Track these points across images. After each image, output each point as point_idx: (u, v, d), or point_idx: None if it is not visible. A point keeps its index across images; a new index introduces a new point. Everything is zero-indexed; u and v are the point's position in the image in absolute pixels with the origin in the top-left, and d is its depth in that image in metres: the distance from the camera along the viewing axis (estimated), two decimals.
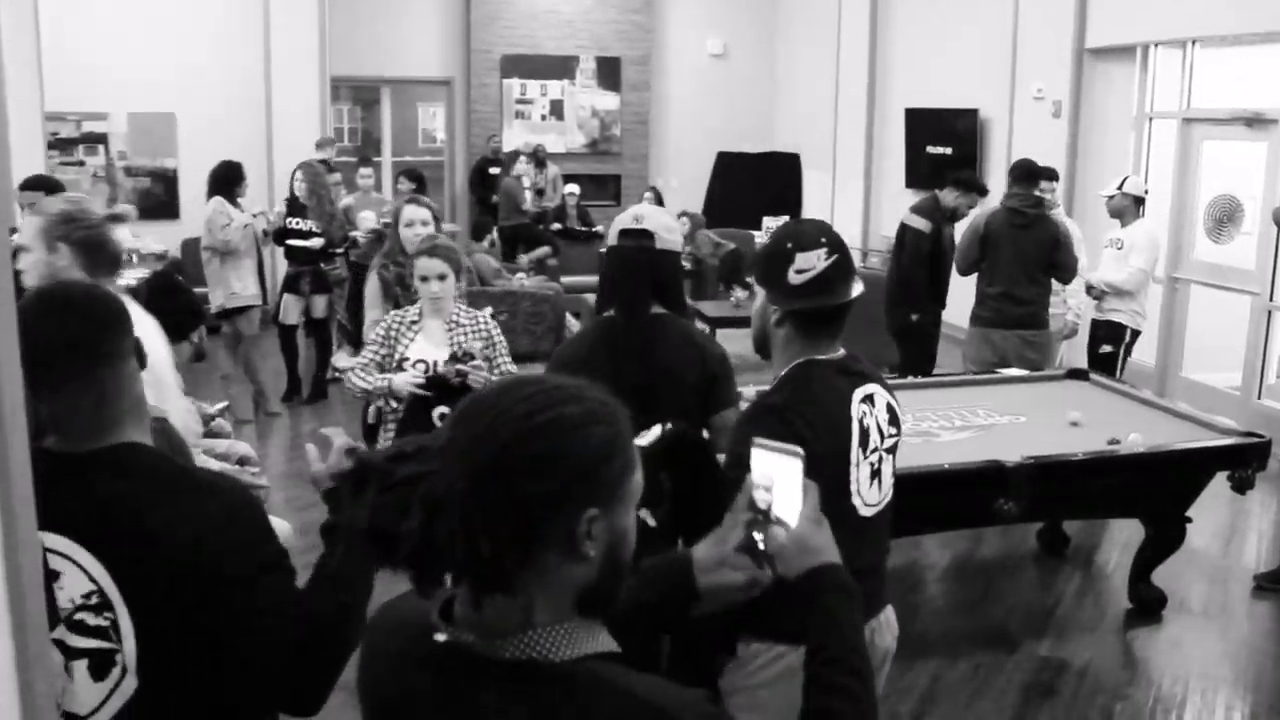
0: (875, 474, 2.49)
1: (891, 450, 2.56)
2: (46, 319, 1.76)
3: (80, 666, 1.72)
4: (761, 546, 1.61)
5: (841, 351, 2.50)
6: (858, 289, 2.46)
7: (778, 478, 1.63)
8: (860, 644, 1.62)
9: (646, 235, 3.11)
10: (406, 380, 4.11)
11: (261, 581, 1.76)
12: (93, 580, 1.71)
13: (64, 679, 1.72)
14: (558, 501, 1.25)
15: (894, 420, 2.57)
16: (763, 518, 1.62)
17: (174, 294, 3.76)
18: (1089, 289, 6.92)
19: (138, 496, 1.75)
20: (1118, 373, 6.68)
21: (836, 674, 1.57)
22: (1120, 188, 6.94)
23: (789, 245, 2.43)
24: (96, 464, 1.77)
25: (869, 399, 2.49)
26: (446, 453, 1.25)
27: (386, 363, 4.22)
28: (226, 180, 7.71)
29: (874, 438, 2.48)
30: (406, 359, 4.19)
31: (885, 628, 2.61)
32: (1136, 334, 6.92)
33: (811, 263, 2.39)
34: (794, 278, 2.40)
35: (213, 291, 7.65)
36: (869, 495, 2.48)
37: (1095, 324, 7.00)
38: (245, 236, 7.65)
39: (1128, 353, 6.91)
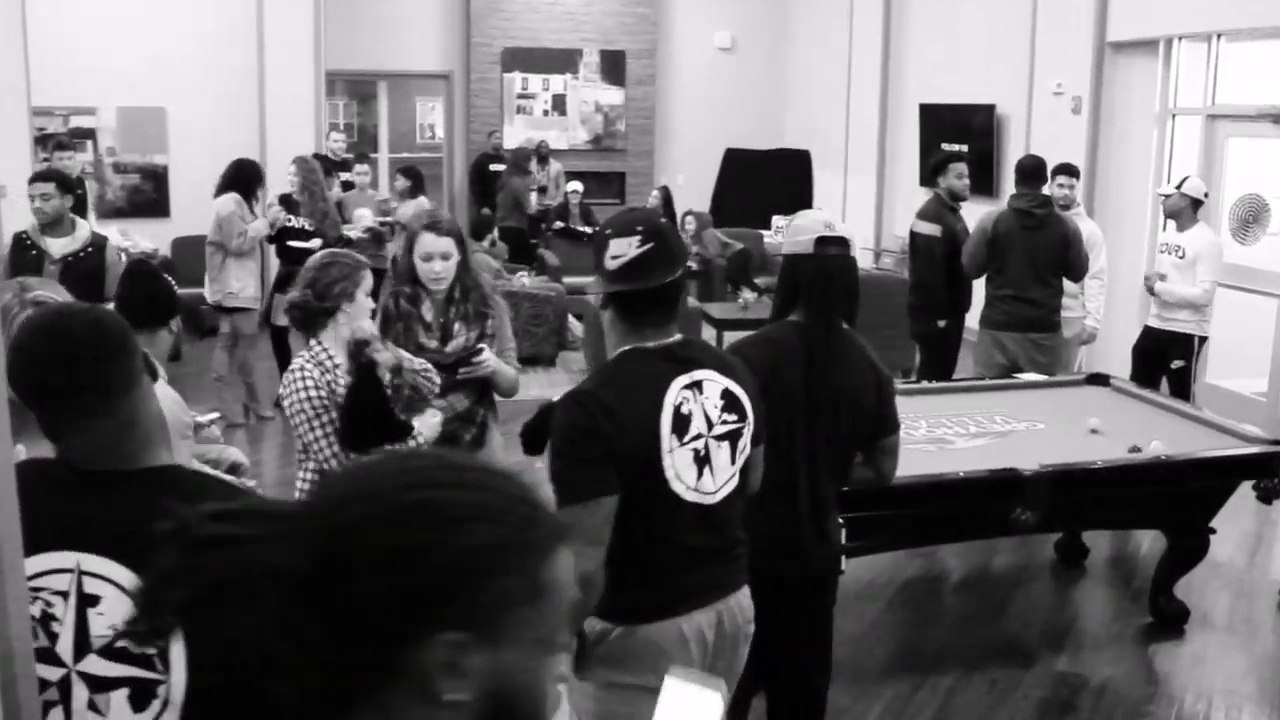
0: (703, 460, 2.56)
1: (728, 437, 2.61)
2: (52, 357, 1.71)
3: (119, 696, 1.62)
4: None
5: (675, 336, 2.62)
6: (675, 274, 2.59)
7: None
8: None
9: (844, 243, 3.14)
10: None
11: None
12: None
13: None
14: (399, 610, 0.94)
15: (732, 407, 2.63)
16: None
17: (148, 280, 3.63)
18: (1158, 301, 6.63)
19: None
20: (1191, 384, 6.49)
21: None
22: (1179, 187, 6.64)
23: (606, 232, 2.60)
24: (140, 484, 1.69)
25: (696, 385, 2.59)
26: (299, 519, 0.96)
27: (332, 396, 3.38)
28: (246, 179, 7.57)
29: (697, 424, 2.56)
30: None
31: (736, 610, 2.70)
32: (1204, 340, 6.67)
33: (624, 249, 2.53)
34: (609, 263, 2.55)
35: (210, 286, 7.54)
36: (700, 482, 2.57)
37: (1156, 335, 6.68)
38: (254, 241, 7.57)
39: (1198, 361, 6.68)
